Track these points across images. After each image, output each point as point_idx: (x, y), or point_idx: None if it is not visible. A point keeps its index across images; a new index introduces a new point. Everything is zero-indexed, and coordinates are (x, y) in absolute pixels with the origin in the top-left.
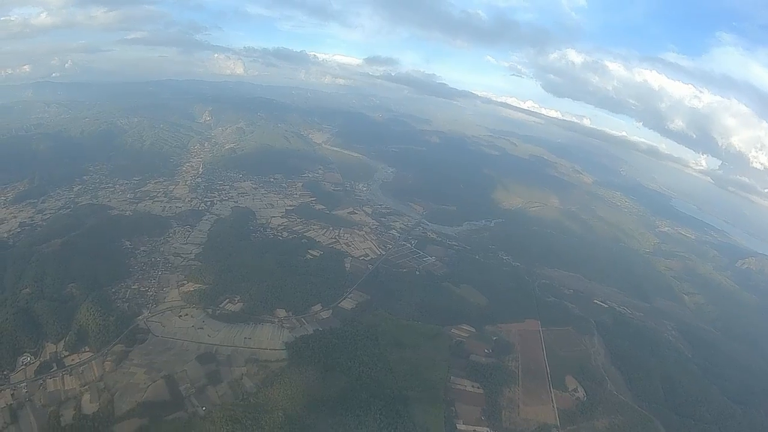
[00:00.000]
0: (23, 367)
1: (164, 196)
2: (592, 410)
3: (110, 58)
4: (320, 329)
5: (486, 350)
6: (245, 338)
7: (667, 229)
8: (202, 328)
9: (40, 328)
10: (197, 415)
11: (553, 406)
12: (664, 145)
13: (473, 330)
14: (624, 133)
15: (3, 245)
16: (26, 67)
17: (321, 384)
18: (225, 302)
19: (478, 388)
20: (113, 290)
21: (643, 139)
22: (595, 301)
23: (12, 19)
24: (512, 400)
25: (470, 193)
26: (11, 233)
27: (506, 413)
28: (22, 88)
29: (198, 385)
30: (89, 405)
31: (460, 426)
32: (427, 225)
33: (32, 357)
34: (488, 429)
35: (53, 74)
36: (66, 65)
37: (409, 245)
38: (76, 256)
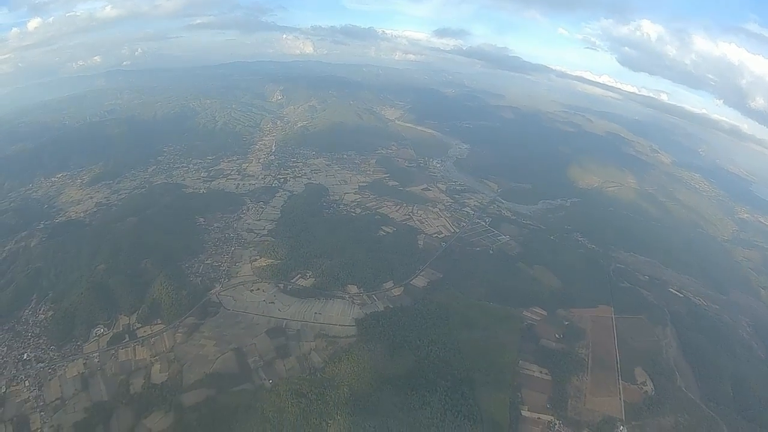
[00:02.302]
0: (96, 338)
1: (237, 174)
2: (659, 406)
3: (179, 45)
4: (391, 306)
5: (557, 335)
6: (315, 313)
7: (746, 216)
8: (273, 303)
9: (115, 301)
10: (263, 387)
11: (620, 399)
12: (747, 126)
13: (545, 313)
14: (704, 111)
15: (80, 224)
16: (97, 58)
17: (388, 362)
18: (297, 277)
19: (546, 374)
20: (187, 265)
21: (724, 118)
22: (671, 289)
23: (78, 14)
24: (579, 389)
25: (546, 171)
26: (87, 213)
27: (572, 402)
28: (94, 78)
29: (266, 359)
30: (159, 375)
31: (525, 413)
32: (502, 203)
33: (105, 328)
34: (553, 418)
35: (124, 63)
36: (136, 53)
37: (483, 223)
38: (151, 233)
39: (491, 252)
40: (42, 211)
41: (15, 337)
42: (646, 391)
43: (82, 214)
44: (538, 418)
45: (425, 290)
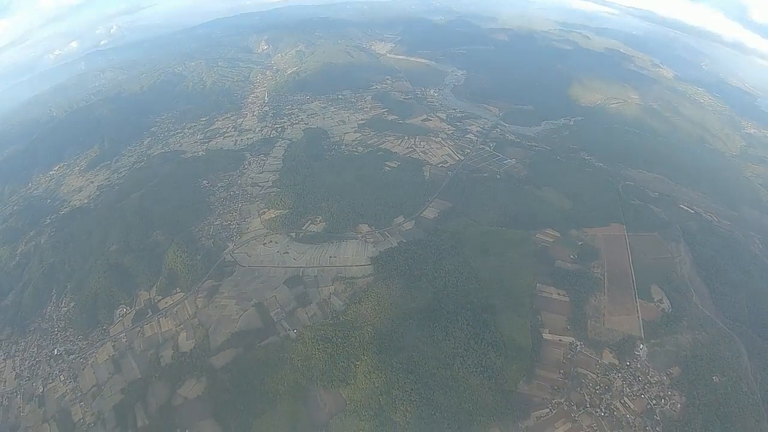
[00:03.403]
0: (120, 318)
1: (234, 131)
2: (677, 324)
3: (154, 13)
4: (404, 241)
5: (571, 256)
6: (330, 257)
7: (753, 131)
8: (287, 253)
9: (132, 278)
10: (289, 338)
11: (638, 317)
12: (751, 39)
13: (558, 235)
14: (703, 24)
15: (85, 211)
16: (74, 44)
17: (408, 297)
18: (307, 224)
19: (564, 295)
20: (197, 230)
21: (726, 31)
22: (681, 205)
23: (43, 4)
24: (598, 309)
25: (546, 91)
26: (91, 198)
27: (592, 323)
28: (74, 64)
29: (288, 309)
30: (186, 342)
31: (546, 335)
32: (505, 126)
33: (127, 308)
34: (574, 339)
35: (101, 42)
36: (111, 31)
37: (488, 148)
38: (156, 205)
39: (498, 177)
40: (46, 207)
41: (43, 335)
42: (663, 308)
43: (85, 201)
44: (560, 340)
45: (436, 221)
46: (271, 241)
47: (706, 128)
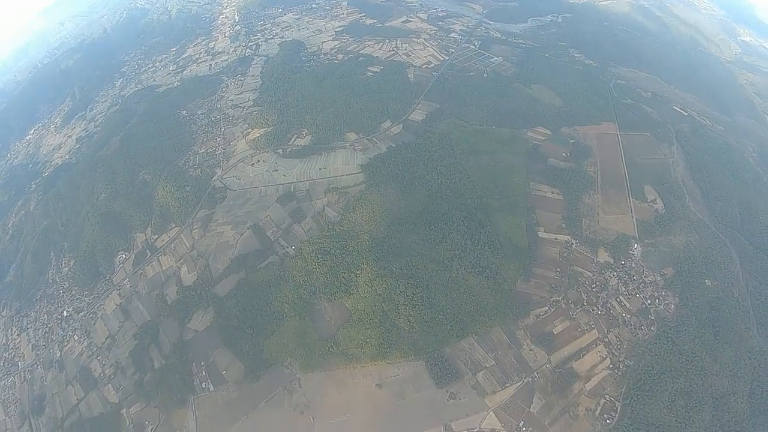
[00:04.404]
0: (121, 265)
1: (207, 55)
2: (670, 225)
3: None
4: (393, 146)
5: (564, 154)
6: (320, 169)
7: (749, 39)
8: (276, 170)
9: (126, 223)
10: (288, 255)
11: (632, 217)
12: None
13: (549, 132)
14: None
15: (68, 166)
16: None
17: (401, 201)
18: (293, 139)
19: (558, 194)
20: (182, 162)
21: None
22: (674, 107)
23: None
24: (592, 208)
25: None
26: (71, 152)
27: (586, 221)
28: (32, 22)
29: (283, 227)
30: (188, 276)
31: (542, 234)
32: (489, 24)
33: (126, 253)
34: (569, 237)
35: None
36: None
37: (473, 47)
38: (138, 145)
39: (486, 75)
40: (29, 173)
41: (50, 300)
42: (657, 209)
43: (67, 157)
44: (555, 238)
45: (424, 123)
46: (258, 161)
47: (700, 31)
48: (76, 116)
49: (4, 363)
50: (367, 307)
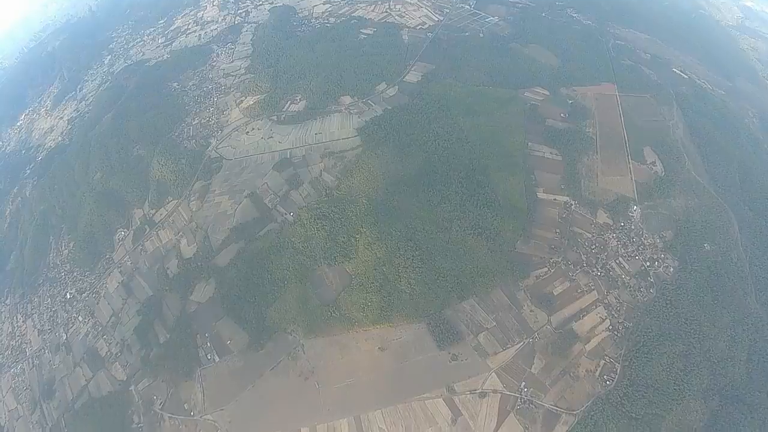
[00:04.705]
0: (120, 242)
1: (196, 25)
2: (670, 188)
3: None
4: (389, 108)
5: (562, 115)
6: (316, 134)
7: (751, 4)
8: (271, 137)
9: (123, 200)
10: (287, 222)
11: (631, 178)
12: None
13: (547, 93)
14: None
15: (61, 149)
16: None
17: (399, 164)
18: (287, 105)
19: (557, 154)
20: (176, 134)
21: None
22: (674, 69)
23: None
24: (591, 169)
25: None
26: (64, 134)
27: (585, 182)
28: (15, 8)
29: (281, 193)
30: (188, 249)
31: (541, 195)
32: None
33: (125, 230)
34: (568, 198)
35: None
36: None
37: (468, 7)
38: (131, 121)
39: (482, 36)
40: (22, 159)
41: (52, 284)
42: (656, 171)
43: (59, 139)
44: (555, 199)
45: (420, 85)
46: (253, 129)
47: None
48: (66, 97)
49: (11, 351)
50: (367, 271)
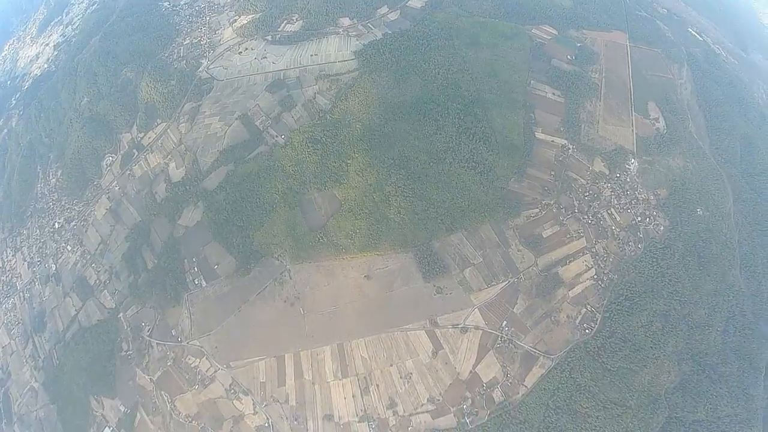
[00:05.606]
0: (108, 168)
1: None
2: (670, 146)
3: None
4: (389, 32)
5: (568, 56)
6: (311, 56)
7: None
8: (265, 58)
9: (110, 125)
10: (278, 145)
11: (632, 131)
12: None
13: (555, 33)
14: None
15: (47, 76)
16: None
17: (396, 90)
18: (283, 24)
19: (559, 96)
20: (166, 55)
21: None
22: (690, 29)
23: None
24: (592, 115)
25: None
26: (50, 60)
27: (585, 128)
28: None
29: (273, 116)
30: (176, 172)
31: (539, 134)
32: None
33: (113, 155)
34: (566, 142)
35: None
36: None
37: None
38: (119, 43)
39: None
40: (8, 89)
41: (41, 215)
42: (658, 127)
43: (45, 65)
44: (552, 141)
45: (424, 10)
46: (246, 49)
47: None
48: (52, 22)
49: (2, 286)
50: (357, 197)
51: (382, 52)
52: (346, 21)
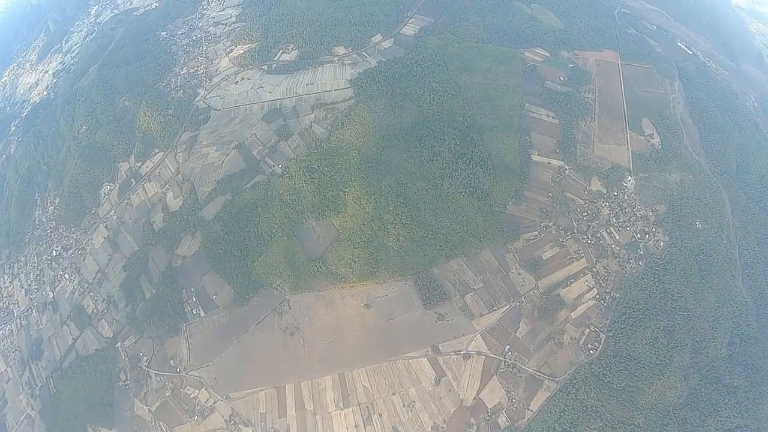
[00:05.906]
0: (106, 196)
1: None
2: (666, 161)
3: None
4: (383, 60)
5: (561, 78)
6: (307, 85)
7: None
8: (261, 87)
9: (108, 153)
10: (275, 174)
11: (628, 148)
12: None
13: (547, 54)
14: None
15: (46, 103)
16: None
17: (391, 117)
18: (279, 54)
19: (554, 117)
20: (163, 84)
21: None
22: (679, 44)
23: None
24: (587, 135)
25: None
26: (49, 88)
27: (581, 148)
28: None
29: (269, 145)
30: (174, 201)
31: (535, 157)
32: None
33: (111, 184)
34: (563, 163)
35: None
36: None
37: None
38: (117, 72)
39: None
40: (7, 116)
41: (38, 242)
42: (653, 143)
43: (45, 93)
44: (549, 162)
45: (417, 38)
46: (243, 78)
47: None
48: (52, 50)
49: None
50: (355, 226)
51: (377, 79)
52: (340, 49)
